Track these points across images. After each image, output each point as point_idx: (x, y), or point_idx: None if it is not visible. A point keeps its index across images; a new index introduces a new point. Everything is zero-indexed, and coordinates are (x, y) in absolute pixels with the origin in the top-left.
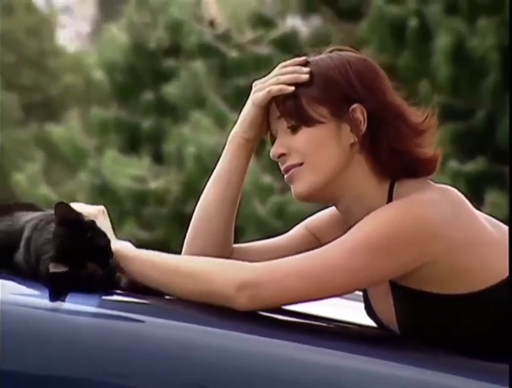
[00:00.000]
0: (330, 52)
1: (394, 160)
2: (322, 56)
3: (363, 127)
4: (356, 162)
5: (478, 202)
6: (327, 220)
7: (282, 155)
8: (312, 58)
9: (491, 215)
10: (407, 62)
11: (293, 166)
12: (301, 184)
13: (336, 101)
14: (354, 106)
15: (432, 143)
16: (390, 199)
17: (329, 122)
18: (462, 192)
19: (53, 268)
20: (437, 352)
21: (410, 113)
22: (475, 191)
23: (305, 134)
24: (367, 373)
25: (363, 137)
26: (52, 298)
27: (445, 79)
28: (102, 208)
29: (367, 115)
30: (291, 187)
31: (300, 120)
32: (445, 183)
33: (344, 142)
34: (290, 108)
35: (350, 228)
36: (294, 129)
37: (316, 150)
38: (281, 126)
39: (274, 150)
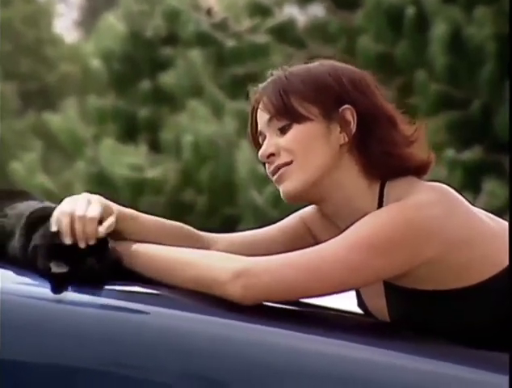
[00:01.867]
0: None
1: (385, 162)
2: (313, 63)
3: (353, 128)
4: (346, 164)
5: (475, 191)
6: (321, 214)
7: (271, 155)
8: (302, 65)
9: (488, 206)
10: (404, 51)
11: (283, 165)
12: (289, 183)
13: (326, 101)
14: (344, 107)
15: (423, 149)
16: (381, 200)
17: (318, 121)
18: (456, 184)
19: (55, 268)
20: (439, 343)
21: (401, 122)
22: (472, 180)
23: (294, 131)
24: (369, 363)
25: (353, 138)
26: (45, 286)
27: (442, 68)
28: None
29: (358, 117)
30: (280, 188)
31: (289, 116)
32: (442, 172)
33: (333, 142)
34: (279, 106)
35: (344, 230)
36: (283, 130)
37: (304, 148)
38: (271, 129)
39: (263, 150)
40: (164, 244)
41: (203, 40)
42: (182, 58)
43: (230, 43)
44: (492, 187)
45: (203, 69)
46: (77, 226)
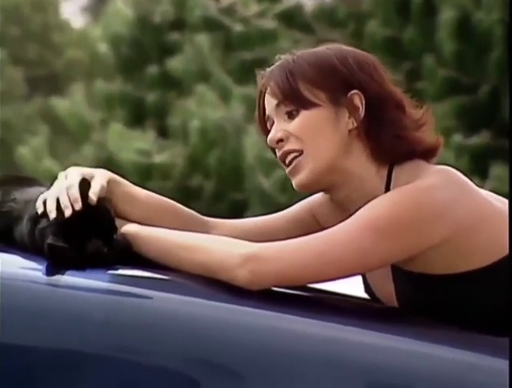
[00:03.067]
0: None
1: (395, 146)
2: (320, 48)
3: (362, 113)
4: (355, 149)
5: (482, 176)
6: (329, 202)
7: (280, 141)
8: (309, 50)
9: (495, 189)
10: (412, 36)
11: (291, 151)
12: (302, 175)
13: (334, 86)
14: (353, 92)
15: (432, 133)
16: (388, 183)
17: (326, 106)
18: (463, 170)
19: (51, 240)
20: (445, 328)
21: (409, 106)
22: (479, 166)
23: (302, 117)
24: (377, 348)
25: (362, 123)
26: (50, 271)
27: (450, 53)
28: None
29: (366, 101)
30: (293, 180)
31: (296, 102)
32: (449, 157)
33: (342, 128)
34: (286, 92)
35: (352, 214)
36: (291, 115)
37: (313, 135)
38: (278, 114)
39: (271, 136)
40: (160, 225)
41: (210, 25)
42: (189, 43)
43: (238, 28)
44: (499, 172)
45: (210, 55)
46: (61, 197)
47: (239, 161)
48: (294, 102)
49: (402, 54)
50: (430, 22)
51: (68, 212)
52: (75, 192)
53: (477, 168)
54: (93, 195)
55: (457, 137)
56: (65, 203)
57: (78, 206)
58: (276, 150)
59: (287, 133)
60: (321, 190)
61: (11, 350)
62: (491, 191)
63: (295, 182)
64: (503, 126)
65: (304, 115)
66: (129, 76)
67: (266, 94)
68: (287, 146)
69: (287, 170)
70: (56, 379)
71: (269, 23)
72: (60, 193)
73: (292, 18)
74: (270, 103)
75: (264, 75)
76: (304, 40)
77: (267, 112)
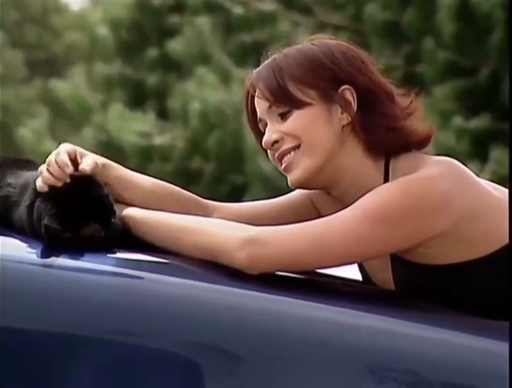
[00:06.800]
0: (310, 40)
1: (388, 138)
2: (304, 43)
3: (354, 107)
4: (350, 144)
5: (482, 159)
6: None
7: (275, 143)
8: (294, 46)
9: (495, 174)
10: (411, 19)
11: (289, 150)
12: (297, 171)
13: (324, 84)
14: (343, 87)
15: (423, 121)
16: (386, 175)
17: (318, 104)
18: (464, 152)
19: (47, 221)
20: (444, 312)
21: (397, 96)
22: (479, 149)
23: (296, 117)
24: (379, 331)
25: (354, 117)
26: (47, 254)
27: (449, 36)
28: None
29: (357, 95)
30: (288, 176)
31: (288, 103)
32: (450, 140)
33: (335, 124)
34: (277, 94)
35: (349, 205)
36: (284, 116)
37: (308, 132)
38: (271, 115)
39: (266, 138)
40: (160, 208)
41: (210, 7)
42: (189, 26)
43: (238, 10)
44: (499, 155)
45: (210, 37)
46: (50, 166)
47: (239, 143)
48: (286, 103)
49: (402, 37)
50: (430, 4)
51: (58, 179)
52: (64, 158)
53: (477, 151)
54: (86, 166)
55: (457, 120)
56: (54, 171)
57: (69, 170)
58: (269, 151)
59: (282, 134)
60: (318, 189)
61: (10, 333)
62: (491, 173)
63: (290, 178)
64: (503, 109)
65: (297, 114)
66: (129, 58)
67: (256, 97)
68: (284, 146)
69: (282, 167)
70: (53, 362)
71: (269, 6)
72: (49, 163)
73: (292, 1)
74: (261, 105)
75: (251, 76)
76: (303, 23)
77: (259, 115)
